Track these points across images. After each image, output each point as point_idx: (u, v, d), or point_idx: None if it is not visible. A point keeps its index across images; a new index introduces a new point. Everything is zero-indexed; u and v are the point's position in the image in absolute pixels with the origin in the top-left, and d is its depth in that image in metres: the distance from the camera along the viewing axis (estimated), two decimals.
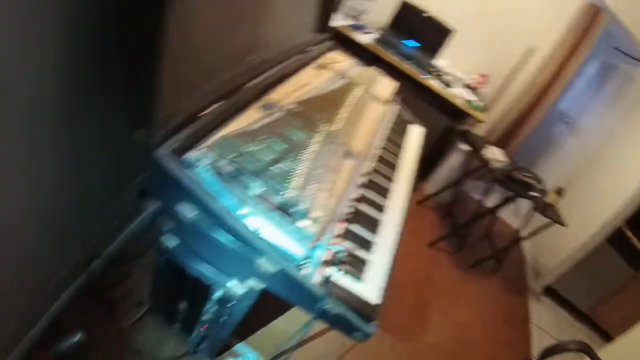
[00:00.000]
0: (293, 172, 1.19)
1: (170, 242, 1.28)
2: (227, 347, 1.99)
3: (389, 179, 1.68)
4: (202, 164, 1.06)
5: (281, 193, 1.09)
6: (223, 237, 1.08)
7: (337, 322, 1.10)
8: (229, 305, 1.45)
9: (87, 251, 1.90)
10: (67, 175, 1.39)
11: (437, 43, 3.72)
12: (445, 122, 3.79)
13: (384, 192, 1.59)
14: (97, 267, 1.99)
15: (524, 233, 3.60)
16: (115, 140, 1.49)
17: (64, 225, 1.57)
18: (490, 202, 3.90)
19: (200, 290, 1.51)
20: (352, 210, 1.39)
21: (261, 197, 1.07)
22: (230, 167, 1.08)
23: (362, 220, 1.39)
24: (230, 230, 1.05)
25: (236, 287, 1.27)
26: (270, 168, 1.15)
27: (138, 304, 2.03)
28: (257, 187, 1.07)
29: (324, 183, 1.22)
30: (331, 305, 1.06)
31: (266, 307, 1.40)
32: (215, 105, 1.24)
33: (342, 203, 1.32)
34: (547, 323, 3.53)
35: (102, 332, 1.86)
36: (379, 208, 1.50)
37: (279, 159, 1.19)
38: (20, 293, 1.48)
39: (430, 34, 3.70)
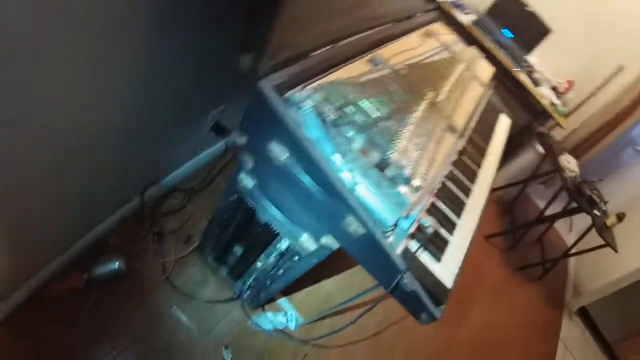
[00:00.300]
0: (399, 133, 1.10)
1: (247, 182, 1.22)
2: (269, 300, 1.96)
3: (478, 163, 1.58)
4: (306, 105, 0.97)
5: (386, 153, 1.00)
6: (311, 187, 1.01)
7: (408, 299, 1.02)
8: (293, 259, 1.40)
9: (147, 175, 1.89)
10: (169, 88, 1.38)
11: (533, 39, 3.56)
12: (524, 118, 3.63)
13: (472, 175, 1.50)
14: (152, 194, 1.98)
15: (575, 249, 3.47)
16: (218, 63, 1.46)
17: (148, 140, 1.56)
18: (551, 209, 3.76)
19: (264, 238, 1.46)
20: (441, 186, 1.31)
21: (363, 153, 0.98)
22: (335, 114, 0.98)
23: (448, 199, 1.30)
24: (323, 181, 0.97)
25: (308, 242, 1.21)
26: (378, 124, 1.06)
27: (187, 240, 2.01)
28: (360, 141, 0.98)
29: (427, 152, 1.14)
30: (408, 281, 0.98)
31: (319, 266, 1.34)
32: (325, 48, 1.16)
33: (438, 176, 1.24)
34: (573, 343, 3.42)
35: (144, 264, 1.85)
36: (466, 191, 1.41)
37: (386, 117, 1.10)
38: (82, 201, 1.49)
39: (528, 29, 3.53)
